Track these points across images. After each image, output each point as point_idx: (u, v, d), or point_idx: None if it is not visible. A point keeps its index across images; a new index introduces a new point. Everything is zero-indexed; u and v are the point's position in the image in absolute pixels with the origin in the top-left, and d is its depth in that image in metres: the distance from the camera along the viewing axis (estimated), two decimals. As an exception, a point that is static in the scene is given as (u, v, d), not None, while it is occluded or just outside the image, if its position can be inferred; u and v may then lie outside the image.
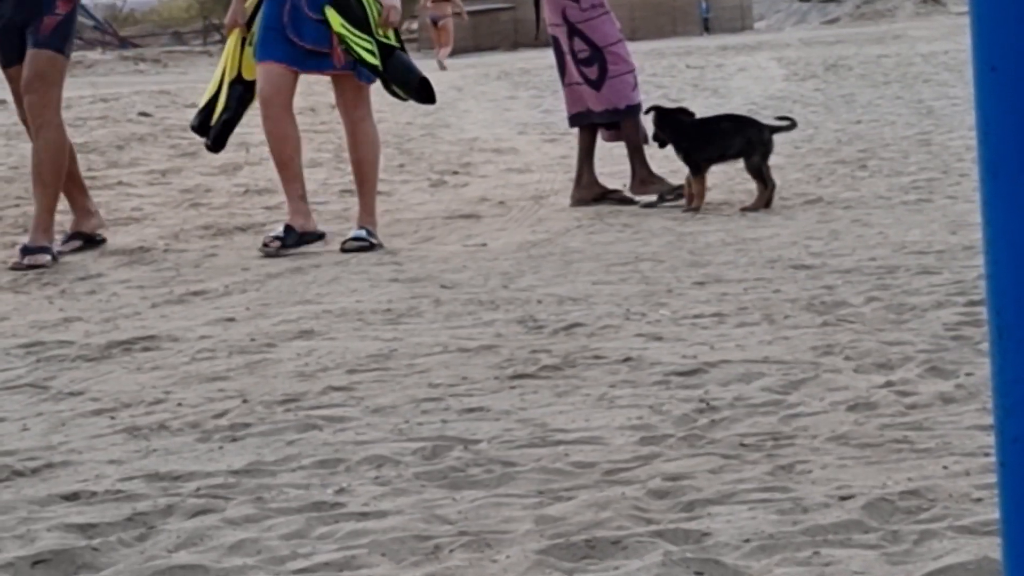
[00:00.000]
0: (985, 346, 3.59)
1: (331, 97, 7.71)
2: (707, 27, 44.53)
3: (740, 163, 7.44)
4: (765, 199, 7.28)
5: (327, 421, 3.40)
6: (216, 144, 6.84)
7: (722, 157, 7.41)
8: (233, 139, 7.07)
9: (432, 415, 3.42)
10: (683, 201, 7.50)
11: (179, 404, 3.67)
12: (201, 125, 6.85)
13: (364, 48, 6.50)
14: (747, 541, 2.42)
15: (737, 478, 2.79)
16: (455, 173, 9.89)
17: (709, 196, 7.54)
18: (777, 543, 2.41)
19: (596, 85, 7.90)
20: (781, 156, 9.34)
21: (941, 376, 3.56)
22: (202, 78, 7.02)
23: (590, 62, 7.91)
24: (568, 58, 7.96)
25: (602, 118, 7.95)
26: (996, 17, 1.16)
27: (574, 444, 3.11)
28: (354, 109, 6.72)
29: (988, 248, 1.19)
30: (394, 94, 6.73)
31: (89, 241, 6.94)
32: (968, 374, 3.55)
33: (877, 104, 13.32)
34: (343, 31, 6.50)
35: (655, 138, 7.54)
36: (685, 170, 7.47)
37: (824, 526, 2.48)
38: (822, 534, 2.45)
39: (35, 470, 3.11)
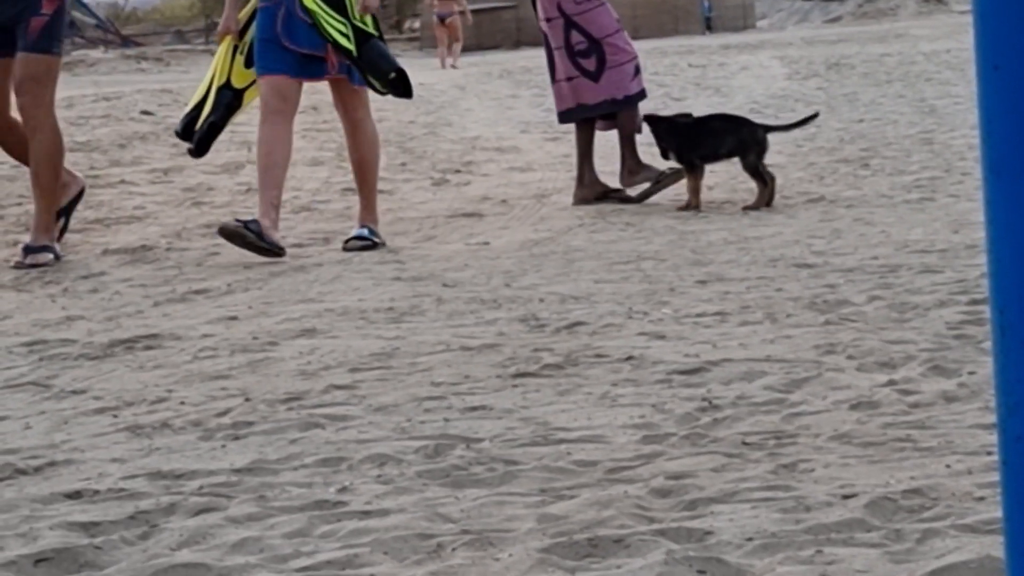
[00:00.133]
0: (987, 345, 3.60)
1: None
2: (709, 26, 44.49)
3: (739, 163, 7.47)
4: (766, 197, 7.28)
5: (329, 419, 3.40)
6: (199, 148, 6.78)
7: (715, 156, 7.44)
8: (235, 138, 7.07)
9: (434, 414, 3.42)
10: (677, 182, 7.61)
11: (181, 402, 3.67)
12: (185, 130, 6.83)
13: (338, 31, 6.42)
14: (750, 540, 2.42)
15: (739, 477, 2.79)
16: (457, 172, 9.89)
17: (711, 195, 7.55)
18: (780, 542, 2.41)
19: (594, 76, 7.90)
20: (783, 155, 9.35)
21: (943, 375, 3.56)
22: (204, 77, 7.01)
23: (587, 54, 7.91)
24: (559, 53, 7.96)
25: (598, 110, 7.95)
26: (999, 16, 1.16)
27: (576, 443, 3.11)
28: (353, 111, 6.70)
29: (990, 247, 1.19)
30: (370, 86, 6.59)
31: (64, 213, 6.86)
32: (971, 373, 3.55)
33: (879, 103, 13.32)
34: (315, 7, 6.42)
35: (659, 149, 7.57)
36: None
37: (827, 525, 2.47)
38: (825, 533, 2.45)
39: (38, 468, 3.11)
